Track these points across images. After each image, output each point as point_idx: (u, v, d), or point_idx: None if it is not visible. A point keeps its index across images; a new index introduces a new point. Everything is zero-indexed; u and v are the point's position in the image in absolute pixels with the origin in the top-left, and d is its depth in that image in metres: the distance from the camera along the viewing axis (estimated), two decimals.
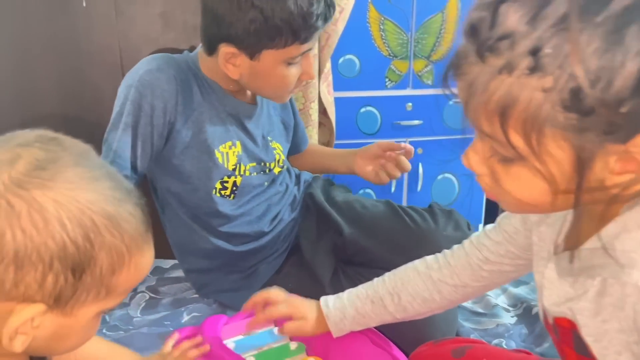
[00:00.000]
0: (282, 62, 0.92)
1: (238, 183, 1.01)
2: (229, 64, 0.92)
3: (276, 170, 1.07)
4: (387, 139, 1.69)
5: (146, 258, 0.50)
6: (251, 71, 0.93)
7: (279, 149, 1.09)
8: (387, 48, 1.64)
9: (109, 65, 1.50)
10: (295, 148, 1.23)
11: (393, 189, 1.75)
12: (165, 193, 1.02)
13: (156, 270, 1.17)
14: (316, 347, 0.81)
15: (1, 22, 1.39)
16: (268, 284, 1.03)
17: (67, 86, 1.48)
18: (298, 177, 1.17)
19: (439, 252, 0.76)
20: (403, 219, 1.04)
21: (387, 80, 1.67)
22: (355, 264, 1.03)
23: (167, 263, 1.19)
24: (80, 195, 0.45)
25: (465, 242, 0.74)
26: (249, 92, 1.04)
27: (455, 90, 0.51)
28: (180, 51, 1.07)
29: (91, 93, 1.51)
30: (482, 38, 0.45)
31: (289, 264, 1.06)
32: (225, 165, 0.99)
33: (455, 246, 0.75)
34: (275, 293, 0.81)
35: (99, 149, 1.57)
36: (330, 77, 1.50)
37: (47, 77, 1.46)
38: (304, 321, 0.78)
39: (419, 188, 1.76)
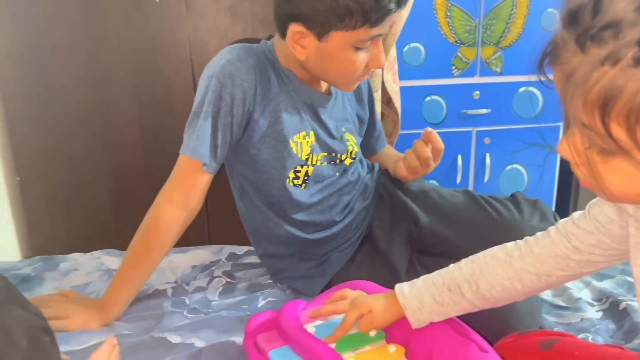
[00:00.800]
0: (351, 45, 0.90)
1: (310, 173, 1.02)
2: (297, 44, 0.92)
3: (347, 161, 1.07)
4: (452, 128, 1.68)
5: None
6: (318, 53, 0.92)
7: (352, 141, 1.08)
8: (453, 35, 1.60)
9: (179, 58, 1.55)
10: (370, 149, 1.22)
11: (458, 180, 1.71)
12: (242, 181, 1.04)
13: (231, 256, 1.19)
14: (396, 334, 0.80)
15: (81, 18, 1.46)
16: (341, 272, 1.04)
17: (141, 79, 1.54)
18: (372, 166, 1.16)
19: None
20: (485, 209, 1.01)
21: (453, 68, 1.64)
22: (432, 254, 1.02)
23: (241, 249, 1.22)
24: None
25: (551, 229, 0.71)
26: (323, 83, 1.04)
27: (550, 77, 0.50)
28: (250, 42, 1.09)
29: (163, 86, 1.56)
30: (583, 26, 0.42)
31: (362, 253, 1.05)
32: (299, 155, 0.99)
33: (539, 233, 0.72)
34: (350, 292, 0.82)
35: (169, 136, 1.62)
36: (396, 66, 1.48)
37: (123, 70, 1.52)
38: (371, 314, 0.77)
39: (486, 179, 1.72)
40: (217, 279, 1.09)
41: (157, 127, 1.59)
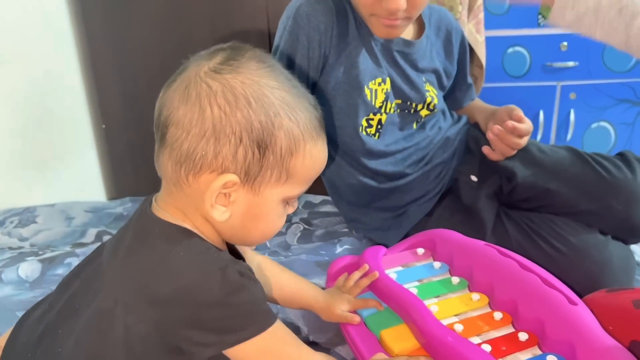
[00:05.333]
0: None
1: (383, 121, 1.00)
2: None
3: (423, 112, 1.04)
4: (535, 82, 1.59)
5: (319, 150, 0.58)
6: None
7: (432, 93, 1.05)
8: None
9: (255, 7, 1.54)
10: (457, 103, 1.17)
11: (539, 137, 1.64)
12: None
13: (307, 205, 1.22)
14: (479, 283, 0.79)
15: None
16: (418, 226, 1.02)
17: (217, 28, 1.55)
18: (457, 118, 1.12)
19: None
20: (592, 166, 0.95)
21: (540, 16, 1.53)
22: (521, 209, 0.98)
23: (317, 198, 1.24)
24: (262, 80, 0.54)
25: None
26: (409, 28, 1.01)
27: None
28: None
29: (238, 35, 1.56)
30: None
31: (442, 207, 1.02)
32: (373, 103, 0.97)
33: None
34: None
35: None
36: (481, 15, 1.41)
37: (200, 20, 1.53)
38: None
39: (569, 137, 1.63)
40: (295, 225, 1.11)
41: None
